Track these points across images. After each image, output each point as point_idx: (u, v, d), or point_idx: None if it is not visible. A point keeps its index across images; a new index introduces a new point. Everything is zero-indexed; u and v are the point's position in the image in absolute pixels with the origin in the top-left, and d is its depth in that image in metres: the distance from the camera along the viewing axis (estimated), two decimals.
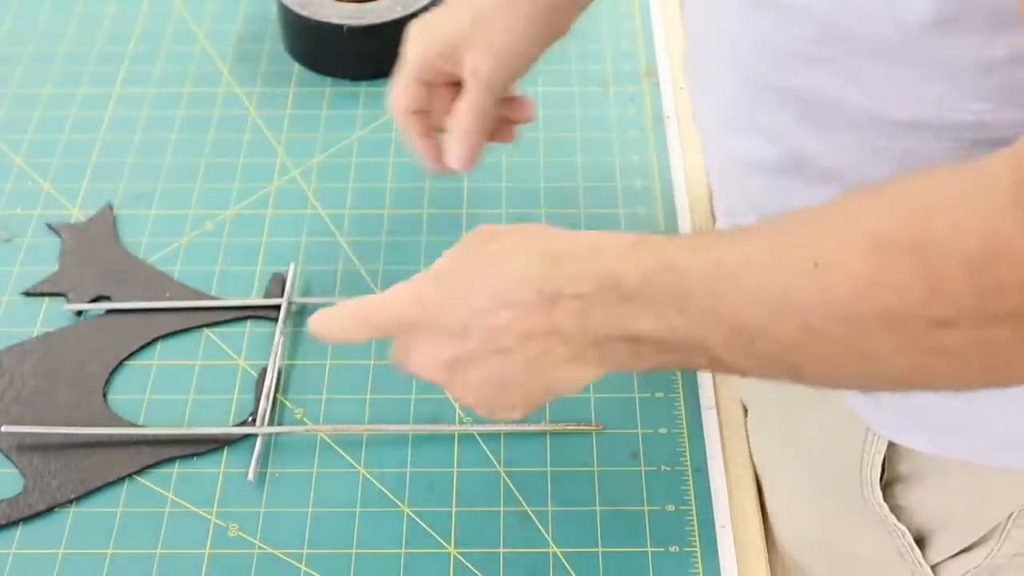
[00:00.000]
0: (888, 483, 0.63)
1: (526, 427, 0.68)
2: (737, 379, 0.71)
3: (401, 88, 0.68)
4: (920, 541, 0.64)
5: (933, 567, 0.64)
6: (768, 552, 0.66)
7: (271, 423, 0.68)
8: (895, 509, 0.63)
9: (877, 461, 0.61)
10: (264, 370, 0.70)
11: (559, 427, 0.68)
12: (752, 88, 0.53)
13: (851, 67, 0.48)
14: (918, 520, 0.63)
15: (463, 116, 0.67)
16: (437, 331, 0.54)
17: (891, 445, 0.60)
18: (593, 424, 0.68)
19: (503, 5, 0.66)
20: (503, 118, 0.70)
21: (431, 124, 0.69)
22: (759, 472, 0.69)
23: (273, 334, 0.73)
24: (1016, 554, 0.61)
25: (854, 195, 0.44)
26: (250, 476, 0.65)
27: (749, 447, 0.69)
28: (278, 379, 0.70)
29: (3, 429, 0.67)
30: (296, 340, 0.72)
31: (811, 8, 0.47)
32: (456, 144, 0.67)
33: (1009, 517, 0.60)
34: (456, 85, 0.68)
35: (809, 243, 0.44)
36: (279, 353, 0.71)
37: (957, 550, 0.63)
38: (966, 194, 0.40)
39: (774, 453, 0.68)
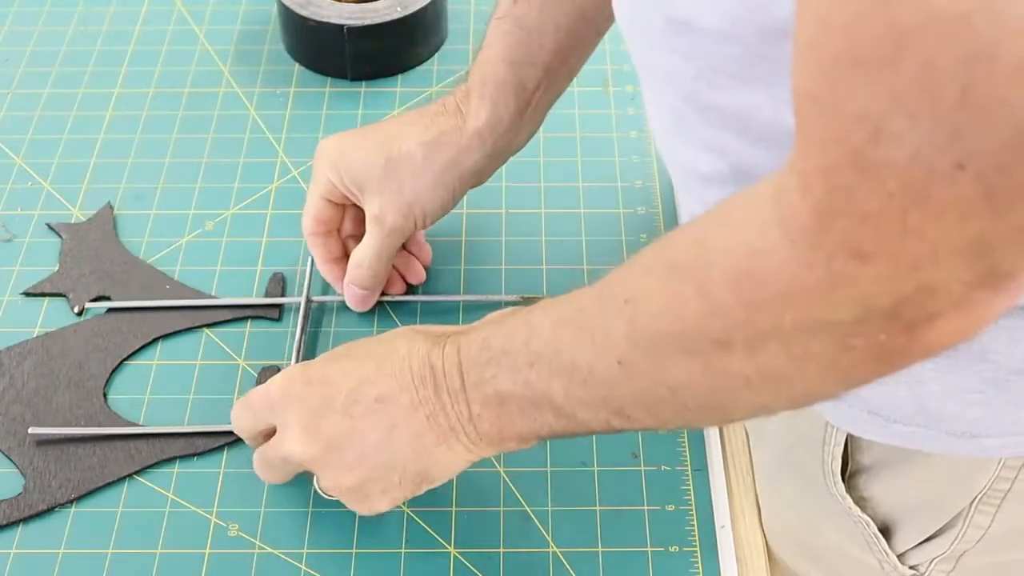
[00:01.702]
0: (852, 474, 0.63)
1: None
2: None
3: (308, 209, 0.72)
4: (885, 531, 0.64)
5: (900, 556, 0.64)
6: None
7: None
8: (859, 500, 0.63)
9: (837, 453, 0.62)
10: (264, 370, 0.70)
11: None
12: (691, 105, 0.54)
13: (781, 85, 0.48)
14: (882, 510, 0.63)
15: (360, 264, 0.71)
16: (318, 408, 0.56)
17: (852, 437, 0.61)
18: None
19: (421, 160, 0.68)
20: (407, 257, 0.74)
21: (339, 245, 0.73)
22: (752, 455, 0.70)
23: (277, 333, 0.73)
24: (980, 539, 0.61)
25: (670, 232, 0.47)
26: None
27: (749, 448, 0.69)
28: None
29: (31, 431, 0.67)
30: (294, 341, 0.72)
31: (733, 33, 0.48)
32: (352, 294, 0.72)
33: (971, 503, 0.60)
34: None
35: (625, 282, 0.49)
36: (300, 352, 0.71)
37: (922, 538, 0.63)
38: (737, 215, 0.43)
39: (752, 441, 0.69)
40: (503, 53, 0.68)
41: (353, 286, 0.71)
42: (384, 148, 0.69)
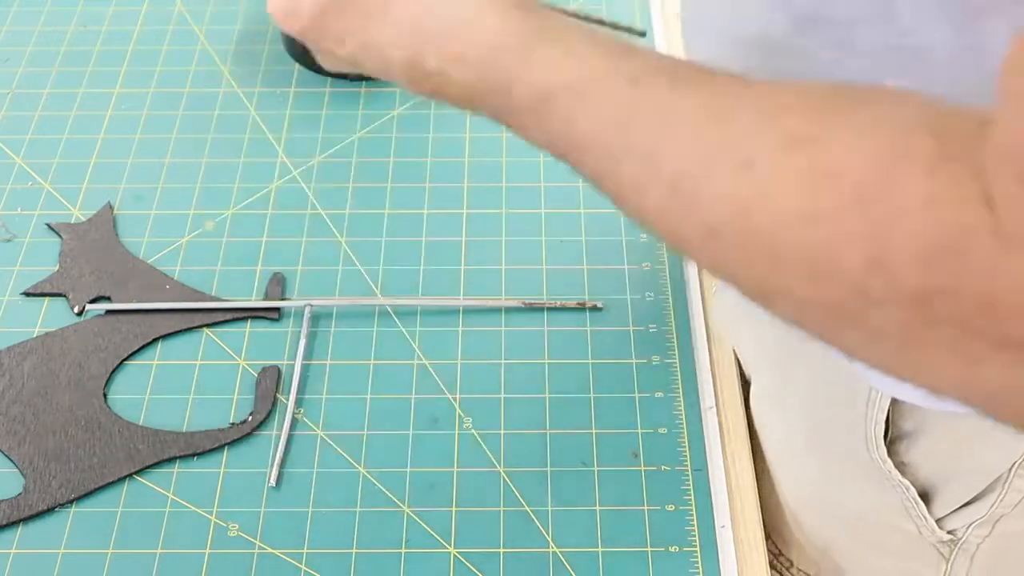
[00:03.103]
0: (892, 440, 0.63)
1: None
2: (736, 375, 0.71)
3: None
4: (924, 496, 0.64)
5: (938, 521, 0.65)
6: (765, 514, 0.66)
7: (270, 423, 0.68)
8: (899, 465, 0.63)
9: (880, 418, 0.61)
10: (264, 369, 0.70)
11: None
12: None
13: (830, 57, 0.47)
14: (922, 475, 0.63)
15: None
16: None
17: (894, 402, 0.61)
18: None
19: None
20: None
21: None
22: (759, 432, 0.69)
23: (277, 334, 0.73)
24: (1018, 504, 0.62)
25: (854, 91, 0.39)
26: (271, 481, 0.65)
27: (749, 414, 0.69)
28: (278, 378, 0.70)
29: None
30: (294, 341, 0.72)
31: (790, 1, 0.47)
32: None
33: (1011, 468, 0.60)
34: None
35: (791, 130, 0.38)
36: (302, 353, 0.71)
37: (961, 503, 0.63)
38: (935, 170, 0.35)
39: (775, 414, 0.68)
40: None
41: None
42: None
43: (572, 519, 0.64)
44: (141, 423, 0.68)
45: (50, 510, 0.64)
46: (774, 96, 0.40)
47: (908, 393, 0.59)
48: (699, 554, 0.63)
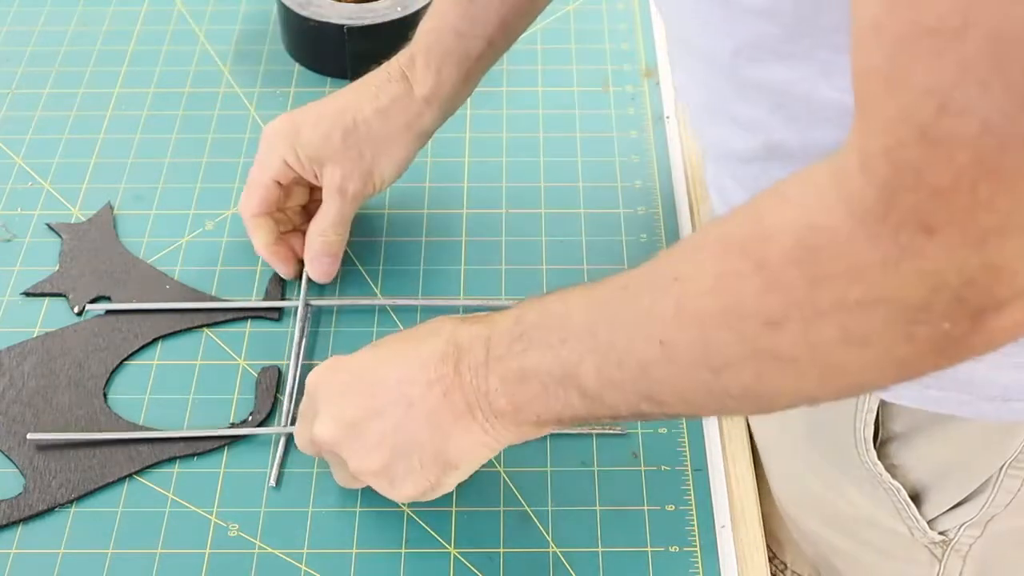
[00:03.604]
0: (883, 442, 0.63)
1: None
2: None
3: (252, 191, 0.73)
4: (916, 497, 0.65)
5: (929, 522, 0.65)
6: (760, 505, 0.66)
7: (270, 423, 0.68)
8: (890, 467, 0.64)
9: (870, 420, 0.62)
10: (264, 369, 0.70)
11: (585, 429, 0.68)
12: (728, 82, 0.54)
13: (819, 59, 0.49)
14: (913, 477, 0.64)
15: (326, 233, 0.72)
16: (344, 391, 0.57)
17: (884, 404, 0.61)
18: (617, 428, 0.68)
19: (378, 127, 0.71)
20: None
21: (277, 228, 0.74)
22: (754, 432, 0.70)
23: (277, 334, 0.73)
24: (1009, 504, 0.62)
25: (717, 217, 0.47)
26: (271, 481, 0.65)
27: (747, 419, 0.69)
28: (278, 378, 0.70)
29: (29, 437, 0.67)
30: (294, 341, 0.72)
31: (774, 8, 0.48)
32: (320, 264, 0.73)
33: (1001, 468, 0.61)
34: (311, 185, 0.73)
35: (674, 260, 0.48)
36: (301, 353, 0.71)
37: (952, 504, 0.64)
38: (794, 193, 0.42)
39: (770, 418, 0.69)
40: (452, 23, 0.71)
41: (322, 257, 0.73)
42: (339, 120, 0.71)
43: (572, 519, 0.64)
44: (141, 423, 0.68)
45: (50, 510, 0.64)
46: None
47: (894, 394, 0.60)
48: (699, 554, 0.63)
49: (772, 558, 0.75)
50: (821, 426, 0.65)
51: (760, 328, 0.43)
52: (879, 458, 0.63)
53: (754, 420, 0.70)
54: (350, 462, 0.58)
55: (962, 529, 0.64)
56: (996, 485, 0.61)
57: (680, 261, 0.47)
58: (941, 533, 0.65)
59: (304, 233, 0.74)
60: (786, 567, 0.75)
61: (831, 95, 0.49)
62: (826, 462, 0.66)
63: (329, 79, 0.90)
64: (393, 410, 0.55)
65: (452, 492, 0.65)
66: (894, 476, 0.64)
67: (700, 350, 0.46)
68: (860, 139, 0.39)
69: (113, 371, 0.71)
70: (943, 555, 0.66)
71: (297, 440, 0.62)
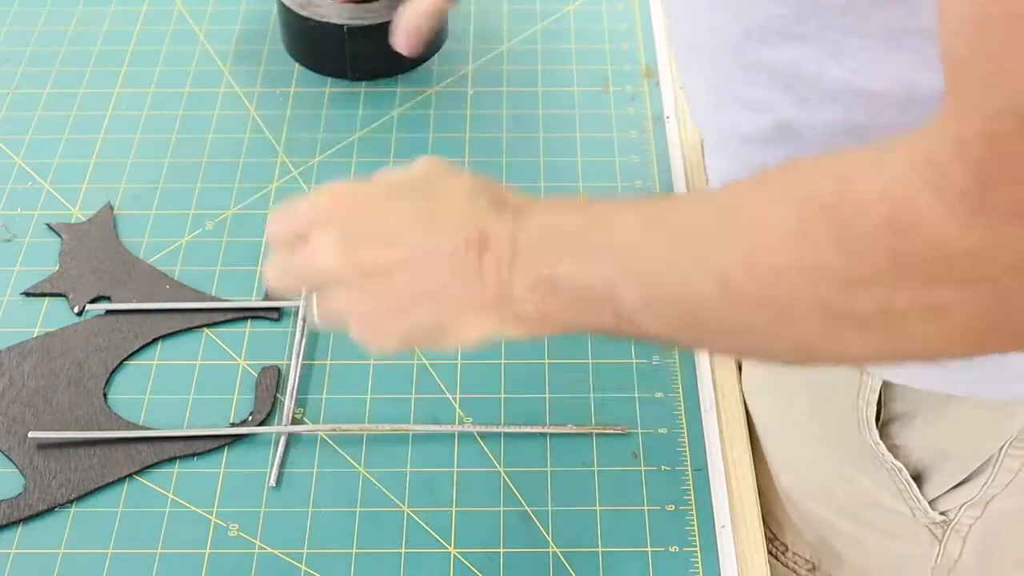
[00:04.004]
0: (885, 423, 0.64)
1: (549, 429, 0.68)
2: (735, 374, 0.71)
3: None
4: (917, 478, 0.65)
5: (931, 502, 0.65)
6: (760, 499, 0.66)
7: (270, 423, 0.68)
8: (892, 448, 0.64)
9: (872, 400, 0.62)
10: (264, 369, 0.70)
11: (586, 429, 0.68)
12: (737, 65, 0.54)
13: (828, 40, 0.49)
14: (915, 458, 0.64)
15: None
16: (362, 232, 0.53)
17: (886, 384, 0.61)
18: (619, 427, 0.68)
19: None
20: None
21: None
22: (753, 417, 0.70)
23: (277, 334, 0.73)
24: (1009, 484, 0.62)
25: (792, 163, 0.45)
26: (271, 481, 0.65)
27: (745, 403, 0.70)
28: (278, 378, 0.70)
29: (30, 435, 0.67)
30: (294, 341, 0.72)
31: None
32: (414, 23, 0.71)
33: (1001, 448, 0.61)
34: None
35: (749, 206, 0.46)
36: (301, 353, 0.71)
37: (953, 484, 0.64)
38: (881, 166, 0.41)
39: (768, 400, 0.69)
40: None
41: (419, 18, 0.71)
42: None
43: (572, 519, 0.64)
44: (141, 423, 0.68)
45: (50, 510, 0.64)
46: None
47: (897, 374, 0.60)
48: (699, 554, 0.63)
49: (772, 539, 0.75)
50: (824, 407, 0.65)
51: (837, 289, 0.42)
52: (881, 438, 0.63)
53: (754, 402, 0.70)
54: (340, 300, 0.53)
55: (962, 509, 0.65)
56: (996, 465, 0.62)
57: (756, 209, 0.45)
58: (942, 513, 0.65)
59: None
60: (787, 548, 0.75)
61: (840, 75, 0.50)
62: (828, 443, 0.66)
63: (329, 79, 0.90)
64: (406, 270, 0.51)
65: (452, 492, 0.65)
66: (896, 456, 0.64)
67: (766, 298, 0.44)
68: (955, 125, 0.38)
69: (113, 371, 0.71)
70: (943, 535, 0.66)
71: (287, 263, 0.56)
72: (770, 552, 0.75)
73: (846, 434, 0.64)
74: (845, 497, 0.68)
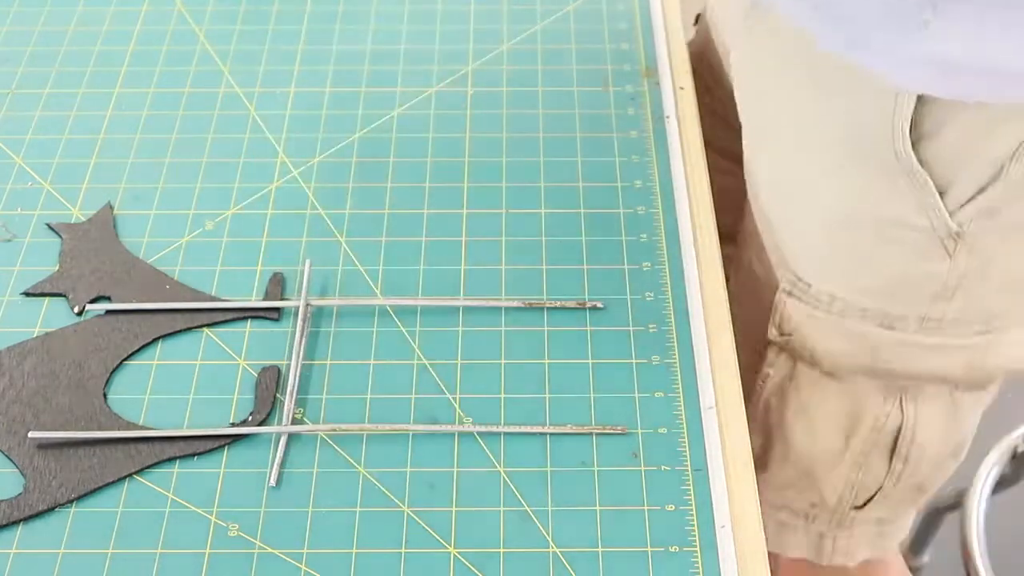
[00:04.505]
0: (913, 143, 0.67)
1: (549, 429, 0.68)
2: (735, 374, 0.71)
3: None
4: (939, 192, 0.69)
5: (949, 215, 0.69)
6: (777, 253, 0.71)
7: (270, 423, 0.68)
8: (920, 162, 0.68)
9: (908, 114, 0.66)
10: (264, 369, 0.71)
11: (586, 429, 0.68)
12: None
13: None
14: (938, 171, 0.68)
15: None
16: None
17: (920, 100, 0.65)
18: (619, 427, 0.68)
19: None
20: None
21: None
22: (765, 193, 0.77)
23: (277, 334, 0.73)
24: (1016, 191, 0.67)
25: None
26: (271, 481, 0.65)
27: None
28: (278, 378, 0.70)
29: (30, 435, 0.67)
30: (294, 341, 0.72)
31: None
32: None
33: (1012, 155, 0.65)
34: None
35: None
36: (301, 353, 0.71)
37: (969, 195, 0.68)
38: None
39: (793, 132, 0.73)
40: None
41: None
42: None
43: (572, 519, 0.64)
44: (141, 423, 0.68)
45: (50, 510, 0.65)
46: None
47: (930, 86, 0.64)
48: (699, 554, 0.63)
49: (796, 281, 0.78)
50: (857, 132, 0.69)
51: None
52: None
53: (770, 164, 0.76)
54: None
55: (973, 222, 0.69)
56: (1007, 171, 0.65)
57: None
58: (958, 225, 0.69)
59: None
60: (810, 286, 0.77)
61: None
62: (858, 168, 0.70)
63: (329, 78, 0.90)
64: None
65: (452, 492, 0.65)
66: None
67: None
68: None
69: (113, 371, 0.71)
70: (954, 249, 0.70)
71: None
72: (792, 294, 0.78)
73: (878, 153, 0.68)
74: (869, 220, 0.72)
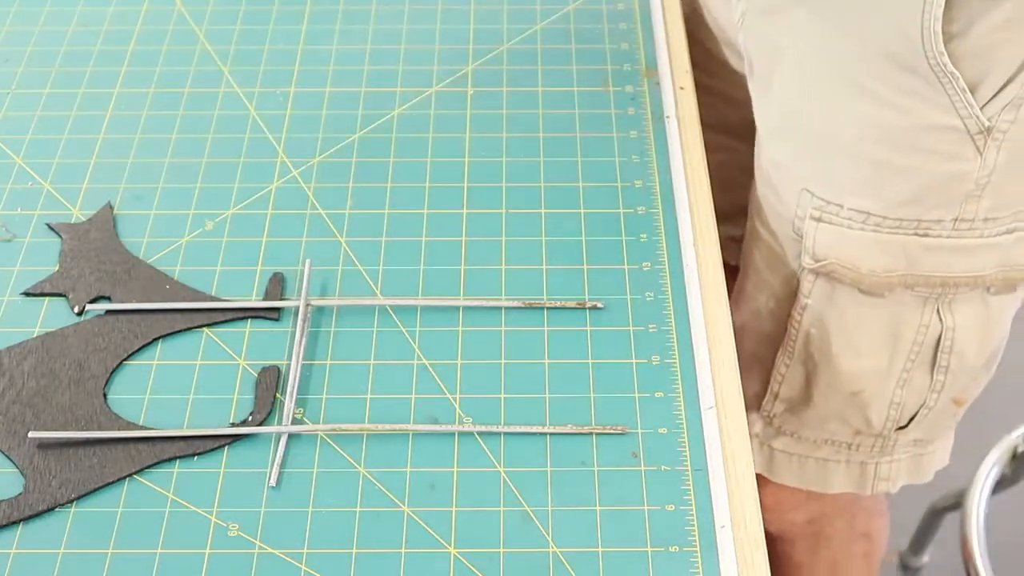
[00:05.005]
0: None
1: (549, 429, 0.68)
2: (735, 374, 0.71)
3: None
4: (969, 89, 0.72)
5: (981, 109, 0.72)
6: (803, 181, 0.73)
7: (270, 423, 0.68)
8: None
9: (939, 14, 0.68)
10: (264, 369, 0.71)
11: (586, 429, 0.68)
12: None
13: None
14: (968, 70, 0.70)
15: None
16: None
17: (947, 3, 0.68)
18: (619, 427, 0.68)
19: None
20: None
21: None
22: (792, 98, 0.79)
23: (277, 334, 0.73)
24: None
25: None
26: (271, 481, 0.65)
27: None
28: (278, 378, 0.70)
29: (31, 435, 0.67)
30: (294, 341, 0.72)
31: None
32: None
33: None
34: None
35: None
36: (301, 353, 0.71)
37: (998, 87, 0.71)
38: None
39: (820, 58, 0.76)
40: None
41: None
42: None
43: (572, 519, 0.64)
44: (141, 423, 0.68)
45: (50, 510, 0.65)
46: None
47: None
48: (699, 554, 0.63)
49: (827, 202, 0.79)
50: (887, 40, 0.71)
51: None
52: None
53: (800, 92, 0.78)
54: None
55: (1001, 115, 0.71)
56: None
57: None
58: (988, 118, 0.72)
59: None
60: (841, 207, 0.78)
61: None
62: (895, 76, 0.72)
63: (329, 78, 0.90)
64: None
65: (452, 492, 0.65)
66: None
67: None
68: None
69: (113, 371, 0.71)
70: (984, 145, 0.72)
71: None
72: (823, 219, 0.79)
73: (911, 53, 0.70)
74: (903, 127, 0.74)
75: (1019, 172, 0.74)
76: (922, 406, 0.85)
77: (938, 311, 0.81)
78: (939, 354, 0.82)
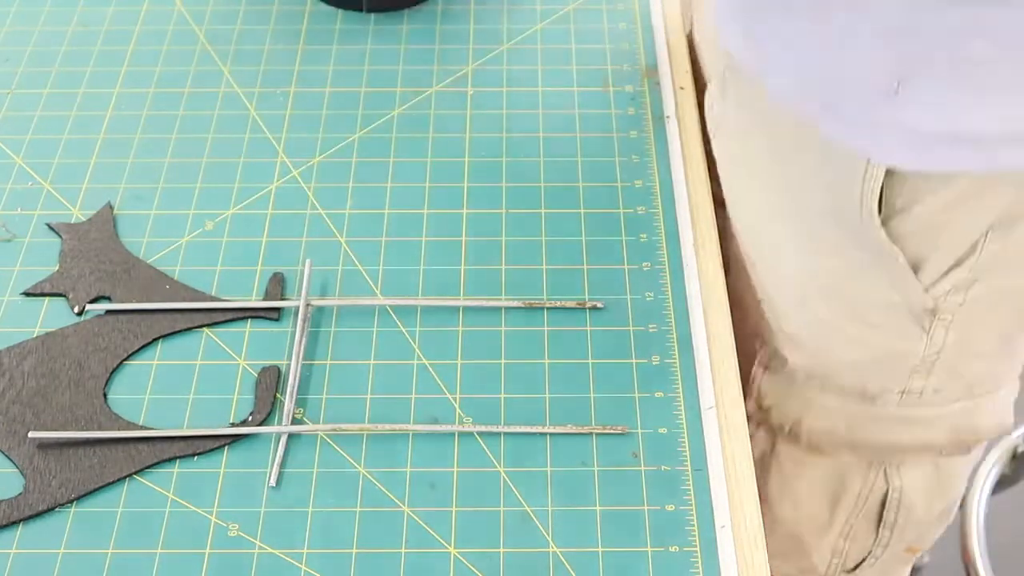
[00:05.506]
0: (884, 220, 0.66)
1: (549, 429, 0.68)
2: (735, 375, 0.71)
3: None
4: (912, 268, 0.68)
5: (925, 290, 0.68)
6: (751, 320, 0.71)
7: (270, 423, 0.68)
8: (891, 239, 0.67)
9: (876, 189, 0.64)
10: (264, 369, 0.71)
11: (586, 429, 0.68)
12: None
13: None
14: (911, 247, 0.67)
15: None
16: None
17: (888, 175, 0.63)
18: (619, 427, 0.68)
19: None
20: None
21: None
22: (744, 235, 0.75)
23: (277, 334, 0.73)
24: (989, 267, 0.66)
25: None
26: (271, 481, 0.65)
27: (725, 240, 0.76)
28: (278, 378, 0.70)
29: (31, 435, 0.67)
30: (294, 341, 0.72)
31: None
32: None
33: (985, 233, 0.64)
34: None
35: None
36: (301, 353, 0.71)
37: (943, 271, 0.67)
38: None
39: (765, 208, 0.72)
40: None
41: None
42: None
43: (572, 519, 0.64)
44: (141, 423, 0.68)
45: (50, 510, 0.65)
46: None
47: (899, 157, 0.62)
48: (699, 554, 0.63)
49: (774, 355, 0.78)
50: (824, 206, 0.67)
51: None
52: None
53: (748, 217, 0.74)
54: None
55: (948, 296, 0.67)
56: (980, 248, 0.64)
57: None
58: (932, 301, 0.68)
59: None
60: (786, 361, 0.77)
61: None
62: (826, 243, 0.69)
63: (330, 78, 0.90)
64: None
65: (452, 492, 0.65)
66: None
67: None
68: None
69: (113, 371, 0.71)
70: (930, 325, 0.69)
71: None
72: (769, 368, 0.78)
73: (847, 227, 0.66)
74: (840, 296, 0.71)
75: (970, 352, 0.71)
76: (869, 555, 0.83)
77: (884, 472, 0.78)
78: (885, 511, 0.80)
